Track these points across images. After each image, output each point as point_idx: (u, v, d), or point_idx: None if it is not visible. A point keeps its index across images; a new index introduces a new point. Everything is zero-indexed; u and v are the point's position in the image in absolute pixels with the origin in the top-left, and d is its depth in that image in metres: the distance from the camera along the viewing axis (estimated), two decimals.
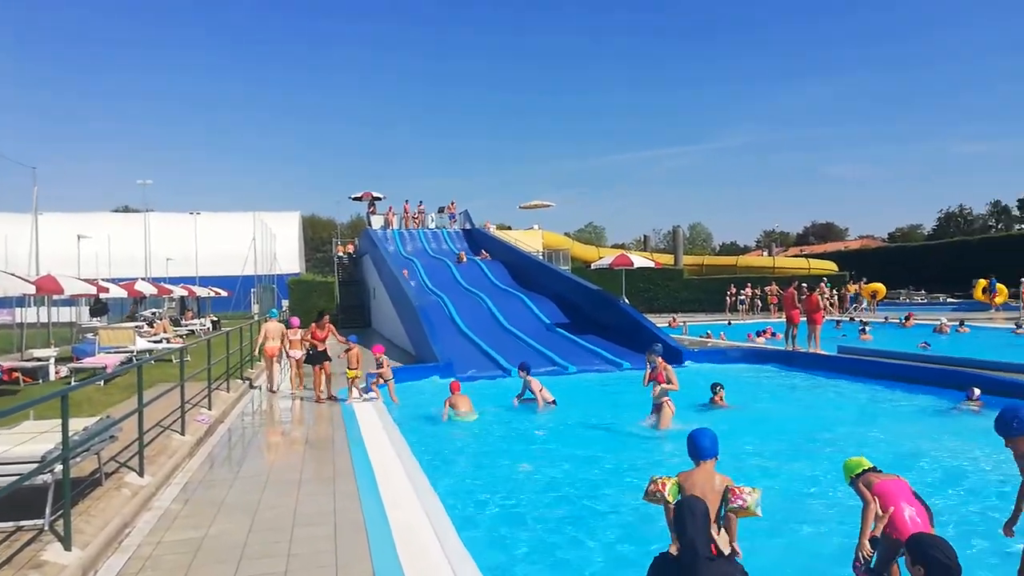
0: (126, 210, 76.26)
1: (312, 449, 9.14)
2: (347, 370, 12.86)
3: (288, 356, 14.38)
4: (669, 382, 10.18)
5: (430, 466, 8.26)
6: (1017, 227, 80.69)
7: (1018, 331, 21.97)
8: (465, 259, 30.60)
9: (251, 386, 15.12)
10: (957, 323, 24.12)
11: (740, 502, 4.26)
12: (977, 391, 11.14)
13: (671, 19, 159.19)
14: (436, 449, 9.43)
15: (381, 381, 12.85)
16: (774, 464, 8.34)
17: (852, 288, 36.89)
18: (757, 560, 4.64)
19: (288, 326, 14.68)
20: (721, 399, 11.47)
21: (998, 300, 32.48)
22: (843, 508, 6.33)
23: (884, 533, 4.18)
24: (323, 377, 12.95)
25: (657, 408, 10.24)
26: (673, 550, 3.81)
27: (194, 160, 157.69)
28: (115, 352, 17.29)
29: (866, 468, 4.56)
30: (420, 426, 10.86)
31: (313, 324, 13.65)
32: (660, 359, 10.41)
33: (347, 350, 12.99)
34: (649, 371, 10.45)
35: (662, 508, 4.54)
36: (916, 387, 12.92)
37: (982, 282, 33.46)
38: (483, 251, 31.99)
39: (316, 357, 13.13)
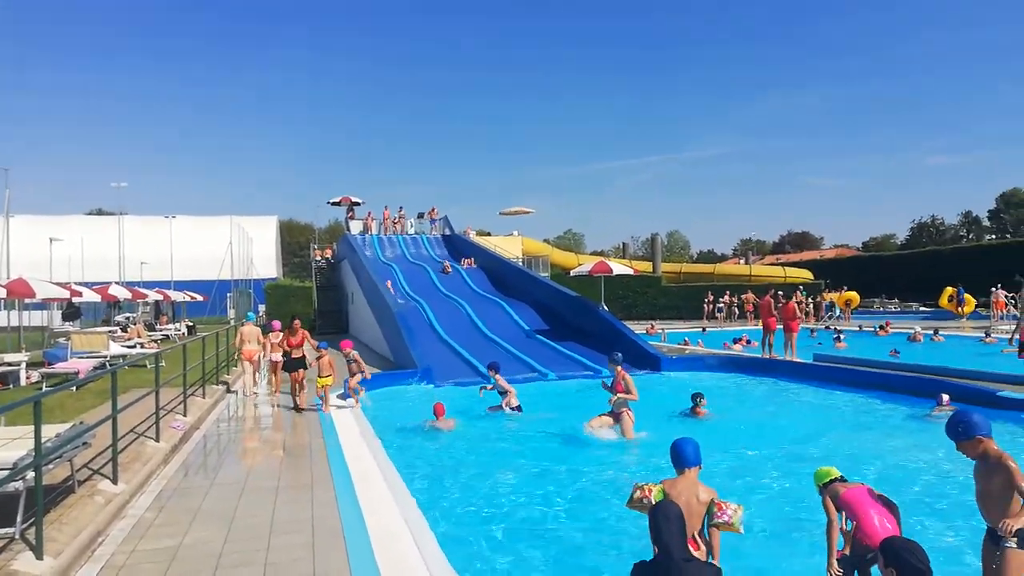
0: (100, 213, 75.19)
1: (289, 456, 9.05)
2: (318, 378, 12.29)
3: (269, 360, 14.57)
4: (628, 391, 10.10)
5: (408, 473, 8.23)
6: (988, 237, 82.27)
7: (987, 340, 22.35)
8: (450, 270, 29.94)
9: (229, 390, 14.99)
10: (932, 332, 24.51)
11: (725, 517, 4.30)
12: (946, 397, 11.33)
13: (651, 27, 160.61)
14: (414, 456, 9.39)
15: (354, 384, 12.62)
16: (753, 474, 8.41)
17: (827, 296, 37.38)
18: (739, 570, 4.69)
19: (269, 329, 14.85)
20: (702, 409, 11.51)
21: (966, 310, 32.99)
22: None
23: (855, 539, 4.24)
24: (296, 385, 12.63)
25: (616, 417, 10.17)
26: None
27: (170, 163, 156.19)
28: (88, 357, 17.03)
29: (834, 477, 4.65)
30: (398, 433, 10.81)
31: (286, 331, 13.27)
32: (619, 368, 10.34)
33: (318, 357, 12.48)
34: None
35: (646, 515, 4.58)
36: (890, 395, 13.10)
37: (949, 291, 34.02)
38: (468, 258, 31.78)
39: (291, 364, 12.84)
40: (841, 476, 4.69)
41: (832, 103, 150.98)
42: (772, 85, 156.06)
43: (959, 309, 32.62)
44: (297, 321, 13.38)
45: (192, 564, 5.38)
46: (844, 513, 4.40)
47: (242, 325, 15.41)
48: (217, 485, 7.74)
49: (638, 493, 4.57)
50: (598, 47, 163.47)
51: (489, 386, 12.54)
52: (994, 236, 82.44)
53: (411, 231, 37.71)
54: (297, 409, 12.37)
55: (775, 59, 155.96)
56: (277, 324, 14.89)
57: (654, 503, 4.40)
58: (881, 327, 26.88)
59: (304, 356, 12.99)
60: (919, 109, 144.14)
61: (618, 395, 10.13)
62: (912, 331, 24.62)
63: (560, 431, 10.74)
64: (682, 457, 4.56)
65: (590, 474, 8.53)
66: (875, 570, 3.87)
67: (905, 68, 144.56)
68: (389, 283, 25.31)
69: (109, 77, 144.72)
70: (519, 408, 12.09)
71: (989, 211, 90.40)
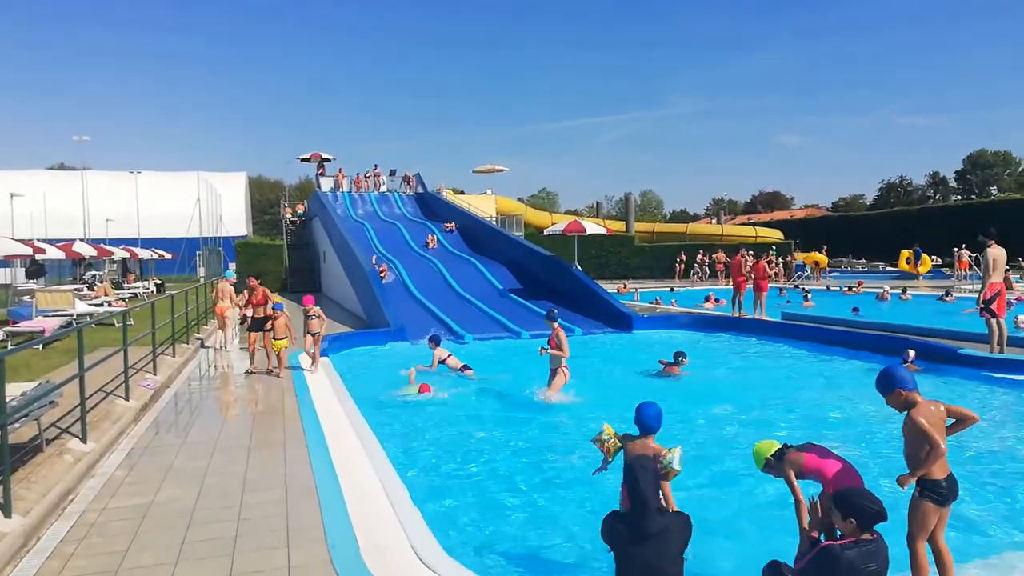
0: (61, 168, 73.11)
1: (262, 414, 9.04)
2: (273, 340, 11.59)
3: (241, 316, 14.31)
4: (559, 348, 10.00)
5: (381, 430, 8.28)
6: (954, 198, 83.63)
7: (947, 299, 22.91)
8: (435, 243, 27.85)
9: (203, 345, 14.99)
10: (900, 291, 25.03)
11: (660, 464, 4.38)
12: (912, 353, 11.61)
13: None
14: (387, 414, 9.44)
15: (309, 347, 11.83)
16: (730, 430, 8.59)
17: (798, 257, 37.88)
18: (719, 530, 4.82)
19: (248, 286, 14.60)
20: (677, 368, 11.51)
21: (922, 269, 33.59)
22: None
23: (825, 492, 4.30)
24: (256, 347, 12.05)
25: (552, 374, 10.12)
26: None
27: (133, 117, 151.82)
28: (54, 315, 16.72)
29: (779, 448, 4.49)
30: (371, 391, 10.83)
31: (244, 291, 12.46)
32: (556, 325, 10.29)
33: (273, 318, 11.73)
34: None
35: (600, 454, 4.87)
36: (855, 352, 13.42)
37: (906, 252, 34.57)
38: (449, 223, 31.22)
39: (255, 324, 12.19)
40: (786, 444, 4.54)
41: (803, 62, 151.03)
42: (745, 43, 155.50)
43: (916, 269, 33.24)
44: (253, 280, 12.55)
45: (164, 521, 5.39)
46: (811, 479, 4.41)
47: (218, 281, 15.49)
48: (188, 443, 7.72)
49: (604, 435, 4.75)
50: (573, 3, 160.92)
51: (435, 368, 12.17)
52: (960, 197, 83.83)
53: (383, 189, 37.26)
54: (271, 370, 11.74)
55: (748, 16, 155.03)
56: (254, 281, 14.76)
57: (610, 453, 4.56)
58: (850, 287, 27.32)
59: (268, 316, 12.25)
60: (889, 70, 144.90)
61: (551, 351, 10.04)
62: (881, 290, 25.10)
63: (527, 388, 10.81)
64: (643, 423, 4.63)
65: (555, 430, 8.67)
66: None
67: (876, 28, 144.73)
68: (384, 269, 22.67)
69: (69, 27, 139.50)
70: (464, 367, 12.04)
71: (956, 172, 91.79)
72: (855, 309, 19.68)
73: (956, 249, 32.35)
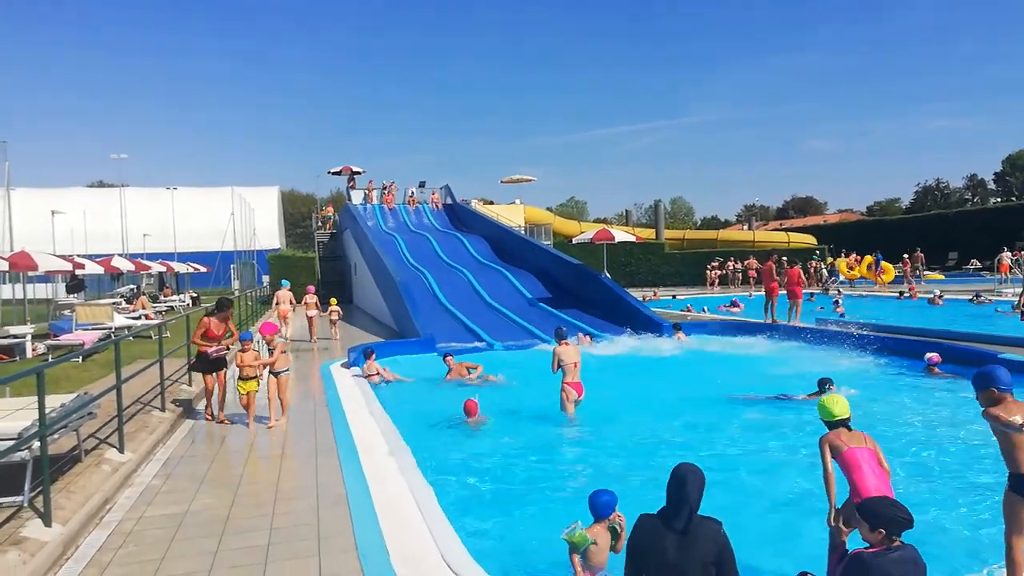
0: (101, 185, 74.98)
1: (294, 424, 9.13)
2: (239, 381, 9.22)
3: (306, 316, 18.63)
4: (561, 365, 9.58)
5: (413, 441, 8.28)
6: (993, 201, 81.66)
7: (976, 301, 22.71)
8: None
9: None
10: (932, 295, 24.60)
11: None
12: (935, 357, 11.53)
13: None
14: (419, 425, 9.43)
15: (276, 387, 9.33)
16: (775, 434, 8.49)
17: (835, 262, 37.24)
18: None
19: (305, 292, 19.48)
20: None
21: (885, 278, 32.32)
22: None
23: (850, 500, 4.28)
24: (216, 390, 9.59)
25: (563, 389, 9.65)
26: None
27: (170, 135, 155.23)
28: (93, 329, 17.11)
29: (840, 418, 4.51)
30: (403, 402, 10.87)
31: (207, 318, 9.70)
32: (565, 342, 9.80)
33: (241, 350, 9.29)
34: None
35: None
36: (890, 356, 13.14)
37: (868, 259, 33.73)
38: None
39: (210, 363, 9.52)
40: (847, 419, 4.52)
41: (835, 66, 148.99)
42: (776, 48, 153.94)
43: (878, 277, 32.25)
44: (230, 309, 10.04)
45: (199, 529, 5.47)
46: (841, 468, 4.41)
47: (278, 289, 19.72)
48: (223, 452, 7.84)
49: (579, 537, 4.55)
50: (597, 11, 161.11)
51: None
52: (999, 199, 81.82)
53: (401, 202, 37.10)
54: (210, 419, 9.47)
55: (778, 21, 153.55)
56: (311, 288, 19.66)
57: (578, 547, 4.47)
58: (901, 293, 26.76)
59: (225, 355, 9.83)
60: (924, 72, 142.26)
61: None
62: (932, 294, 24.63)
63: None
64: (597, 509, 4.62)
65: (583, 442, 8.62)
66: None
67: (910, 30, 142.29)
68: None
69: (107, 49, 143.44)
70: (486, 377, 12.16)
71: (995, 174, 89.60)
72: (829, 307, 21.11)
73: (1003, 252, 31.67)
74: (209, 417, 9.49)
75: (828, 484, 4.37)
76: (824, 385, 9.83)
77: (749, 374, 12.51)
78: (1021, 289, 11.78)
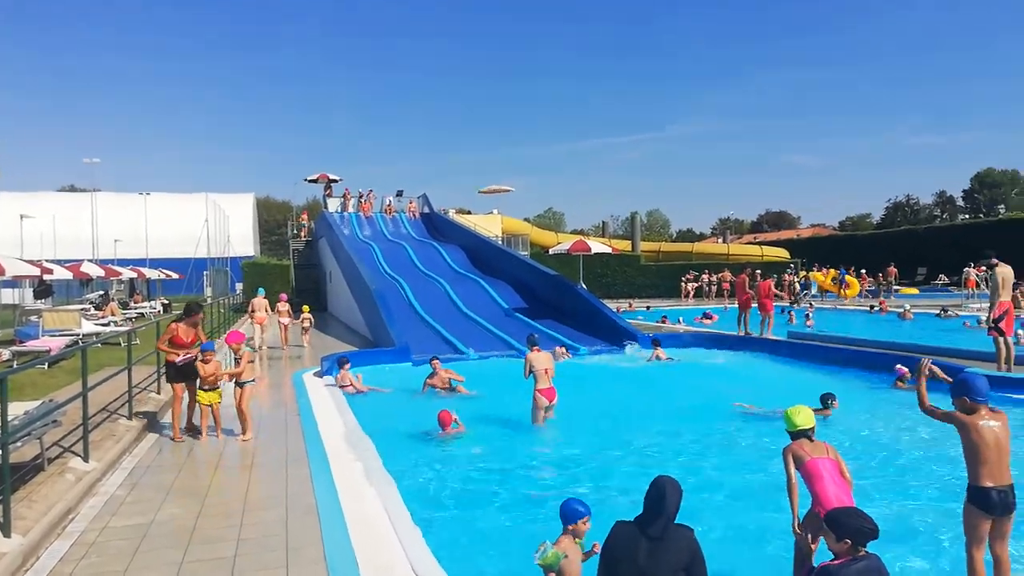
0: (72, 190, 73.78)
1: (265, 433, 9.02)
2: (201, 393, 8.80)
3: (279, 323, 19.26)
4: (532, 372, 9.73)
5: (385, 452, 8.20)
6: (961, 217, 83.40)
7: (944, 315, 23.26)
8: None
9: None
10: (901, 309, 25.01)
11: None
12: (904, 370, 11.67)
13: (629, 4, 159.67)
14: (392, 435, 9.34)
15: (245, 405, 8.74)
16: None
17: (809, 276, 37.69)
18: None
19: (277, 300, 19.80)
20: (830, 411, 9.95)
21: (849, 293, 32.54)
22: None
23: (812, 511, 4.34)
24: (184, 401, 9.04)
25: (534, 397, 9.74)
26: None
27: (145, 140, 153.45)
28: (60, 335, 16.80)
29: (803, 429, 4.58)
30: (377, 412, 10.78)
31: (175, 323, 9.26)
32: (535, 348, 9.95)
33: (203, 361, 8.78)
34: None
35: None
36: (861, 371, 13.31)
37: (832, 272, 34.18)
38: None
39: (179, 371, 8.97)
40: (811, 429, 4.60)
41: (810, 83, 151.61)
42: (751, 64, 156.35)
43: (842, 291, 32.57)
44: (199, 314, 9.53)
45: (164, 540, 5.38)
46: (803, 478, 4.48)
47: (254, 297, 19.53)
48: (190, 462, 7.72)
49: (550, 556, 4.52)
50: (577, 23, 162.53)
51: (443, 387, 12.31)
52: (967, 216, 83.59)
53: (378, 211, 36.83)
54: (178, 439, 8.74)
55: (754, 38, 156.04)
56: (284, 296, 20.28)
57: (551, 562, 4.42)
58: (872, 307, 27.14)
59: (195, 358, 8.97)
60: (896, 90, 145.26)
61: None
62: (902, 308, 25.01)
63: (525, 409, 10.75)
64: (564, 516, 4.41)
65: (556, 451, 8.62)
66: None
67: (882, 48, 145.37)
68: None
69: (79, 51, 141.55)
70: (460, 390, 12.10)
71: (963, 191, 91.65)
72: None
73: (966, 268, 32.29)
74: (177, 435, 8.75)
75: (791, 493, 4.46)
76: (827, 400, 9.92)
77: (723, 386, 12.60)
78: (989, 304, 11.99)
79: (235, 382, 8.84)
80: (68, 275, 25.73)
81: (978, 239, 38.32)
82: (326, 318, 28.45)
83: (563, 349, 15.73)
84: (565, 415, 9.93)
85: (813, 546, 4.35)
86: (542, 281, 23.00)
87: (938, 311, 23.98)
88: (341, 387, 12.11)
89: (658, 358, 15.20)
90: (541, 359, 9.69)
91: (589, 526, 4.32)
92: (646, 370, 14.67)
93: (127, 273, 34.43)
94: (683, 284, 37.28)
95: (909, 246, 48.45)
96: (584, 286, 23.11)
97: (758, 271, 22.69)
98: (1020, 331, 15.37)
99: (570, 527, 4.30)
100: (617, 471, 7.58)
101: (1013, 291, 12.75)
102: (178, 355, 9.01)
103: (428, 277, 25.10)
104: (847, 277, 32.84)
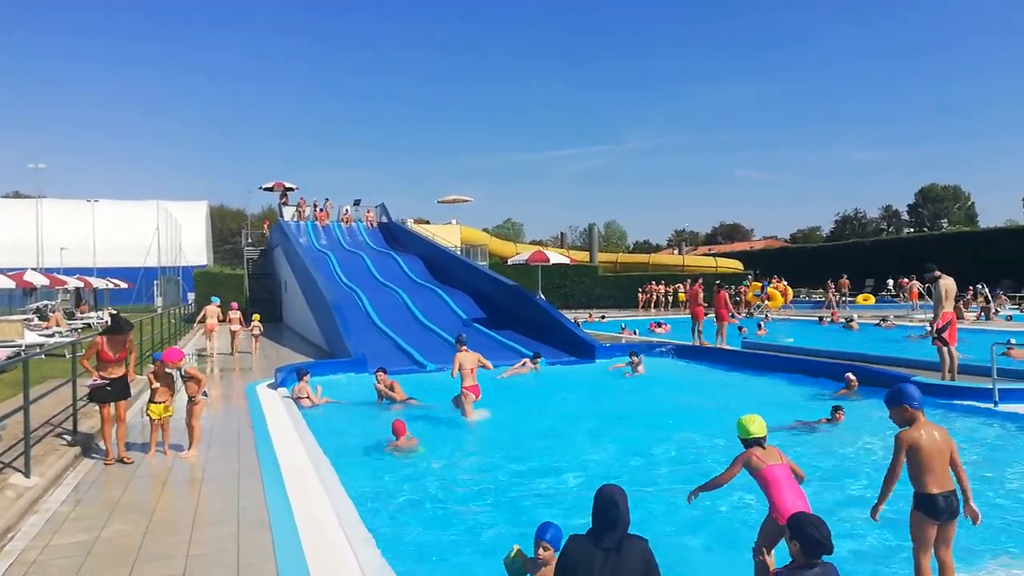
0: (17, 196, 71.38)
1: (217, 446, 8.82)
2: (150, 406, 8.40)
3: (230, 331, 19.51)
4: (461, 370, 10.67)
5: (339, 464, 8.10)
6: (906, 231, 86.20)
7: (883, 324, 24.26)
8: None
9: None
10: (845, 320, 25.84)
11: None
12: (852, 378, 12.03)
13: (584, 16, 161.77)
14: (347, 447, 9.24)
15: (195, 421, 8.48)
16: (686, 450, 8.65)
17: (757, 287, 38.52)
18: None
19: (228, 308, 19.98)
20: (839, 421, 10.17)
21: (773, 305, 33.10)
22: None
23: (770, 517, 4.40)
24: (115, 424, 8.08)
25: (463, 394, 10.67)
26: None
27: (92, 144, 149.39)
28: (1, 347, 16.21)
29: (755, 437, 4.64)
30: (331, 423, 10.65)
31: (100, 337, 8.33)
32: (463, 348, 10.96)
33: (152, 372, 8.53)
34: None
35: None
36: (807, 378, 13.64)
37: (755, 285, 35.10)
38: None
39: (107, 392, 8.07)
40: (763, 438, 4.65)
41: (762, 97, 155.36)
42: (706, 78, 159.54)
43: (765, 303, 33.24)
44: (129, 333, 8.66)
45: (110, 558, 5.21)
46: (759, 485, 4.54)
47: (207, 304, 19.39)
48: (138, 477, 7.51)
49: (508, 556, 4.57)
50: (533, 33, 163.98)
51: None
52: (912, 229, 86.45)
53: (335, 220, 36.42)
54: (110, 462, 7.96)
55: (708, 52, 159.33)
56: (235, 304, 20.37)
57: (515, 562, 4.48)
58: (822, 318, 27.83)
59: (125, 376, 8.44)
60: (844, 105, 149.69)
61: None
62: (848, 319, 25.75)
63: (495, 420, 10.78)
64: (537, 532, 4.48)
65: (515, 459, 8.62)
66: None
67: (831, 64, 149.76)
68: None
69: (22, 52, 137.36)
70: (409, 401, 12.15)
71: (908, 205, 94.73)
72: (743, 329, 22.35)
73: (905, 281, 33.43)
74: (111, 459, 7.94)
75: (716, 486, 4.71)
76: (835, 412, 10.14)
77: (676, 397, 12.78)
78: (933, 315, 12.38)
79: (189, 399, 8.52)
80: (11, 284, 24.90)
81: (922, 252, 39.69)
82: (281, 328, 28.02)
83: (528, 361, 15.66)
84: (523, 425, 9.94)
85: (769, 559, 4.30)
86: (501, 291, 23.03)
87: (877, 321, 24.90)
88: (296, 399, 11.90)
89: (637, 371, 14.84)
90: (468, 358, 10.60)
91: (550, 553, 4.27)
92: (603, 380, 14.77)
93: (73, 282, 33.42)
94: (640, 295, 37.82)
95: (857, 258, 49.89)
96: (543, 296, 23.24)
97: (717, 281, 23.07)
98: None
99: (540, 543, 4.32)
100: (567, 483, 7.61)
101: (956, 303, 13.16)
102: (97, 374, 8.07)
103: (386, 287, 24.92)
104: (768, 290, 33.58)
